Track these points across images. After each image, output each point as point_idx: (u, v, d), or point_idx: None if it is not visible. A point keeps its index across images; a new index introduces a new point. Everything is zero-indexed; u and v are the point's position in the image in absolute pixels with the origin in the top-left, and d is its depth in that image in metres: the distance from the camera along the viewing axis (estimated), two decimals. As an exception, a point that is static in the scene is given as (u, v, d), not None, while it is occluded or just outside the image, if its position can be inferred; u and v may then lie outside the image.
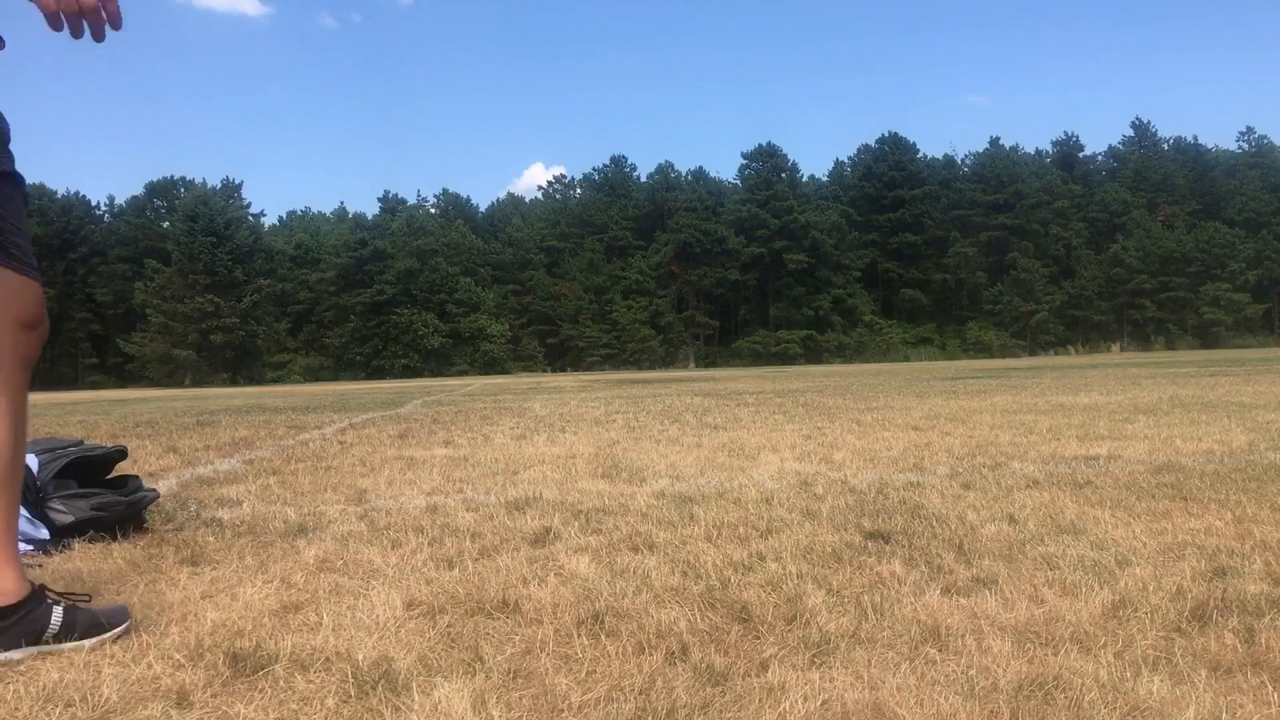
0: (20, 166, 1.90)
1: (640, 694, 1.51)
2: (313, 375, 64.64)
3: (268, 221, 77.59)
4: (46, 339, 2.06)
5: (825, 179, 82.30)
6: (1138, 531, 2.61)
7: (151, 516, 3.15)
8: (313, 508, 3.43)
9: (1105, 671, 1.55)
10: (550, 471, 4.32)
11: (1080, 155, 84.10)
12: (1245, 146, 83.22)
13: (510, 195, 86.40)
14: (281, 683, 1.60)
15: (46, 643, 1.80)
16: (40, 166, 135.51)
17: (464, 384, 23.06)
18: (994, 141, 78.23)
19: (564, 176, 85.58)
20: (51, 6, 1.80)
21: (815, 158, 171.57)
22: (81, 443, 3.15)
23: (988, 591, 2.03)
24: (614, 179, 79.72)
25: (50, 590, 1.91)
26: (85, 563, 2.50)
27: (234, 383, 58.26)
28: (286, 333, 67.95)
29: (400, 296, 66.34)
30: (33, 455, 2.92)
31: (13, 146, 1.87)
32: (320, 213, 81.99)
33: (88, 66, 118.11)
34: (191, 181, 70.70)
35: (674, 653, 1.70)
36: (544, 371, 63.07)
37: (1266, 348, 55.07)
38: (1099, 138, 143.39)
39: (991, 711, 1.42)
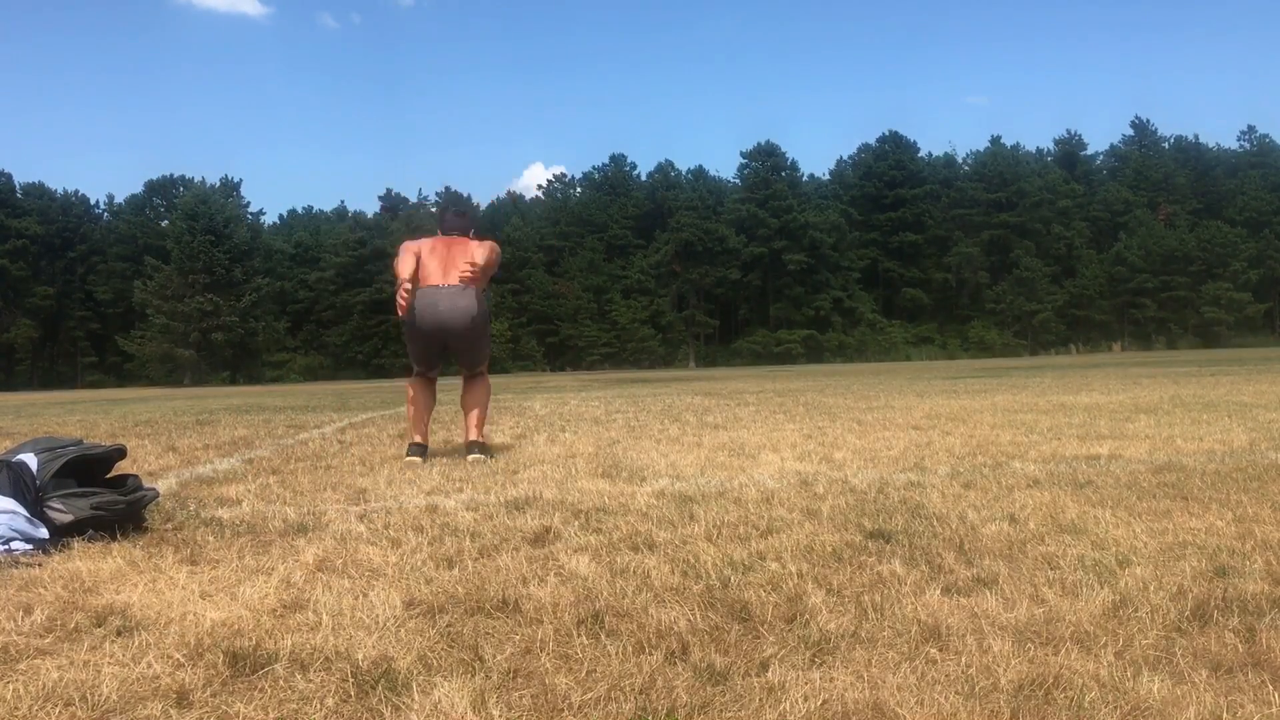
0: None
1: (640, 694, 1.51)
2: (312, 374, 64.59)
3: (268, 220, 77.66)
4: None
5: (826, 178, 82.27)
6: (1138, 531, 2.61)
7: (151, 516, 3.15)
8: (312, 507, 3.42)
9: (1106, 671, 1.55)
10: (550, 471, 4.32)
11: (1081, 154, 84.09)
12: (1246, 146, 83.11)
13: (510, 194, 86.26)
14: (281, 682, 1.60)
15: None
16: (40, 165, 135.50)
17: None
18: (995, 140, 78.17)
19: (564, 175, 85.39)
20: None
21: (815, 157, 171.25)
22: (81, 442, 3.15)
23: (988, 591, 2.03)
24: (614, 178, 79.54)
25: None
26: (85, 562, 2.49)
27: (233, 382, 58.24)
28: (286, 332, 67.91)
29: (401, 295, 66.41)
30: (32, 454, 2.92)
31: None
32: (321, 211, 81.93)
33: (88, 66, 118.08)
34: (191, 180, 70.57)
35: (674, 652, 1.70)
36: (543, 371, 63.06)
37: (1267, 347, 55.00)
38: (1100, 136, 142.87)
39: (992, 711, 1.42)
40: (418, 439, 4.99)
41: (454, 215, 5.38)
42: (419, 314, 4.89)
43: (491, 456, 4.91)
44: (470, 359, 5.20)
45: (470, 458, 4.85)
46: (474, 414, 5.09)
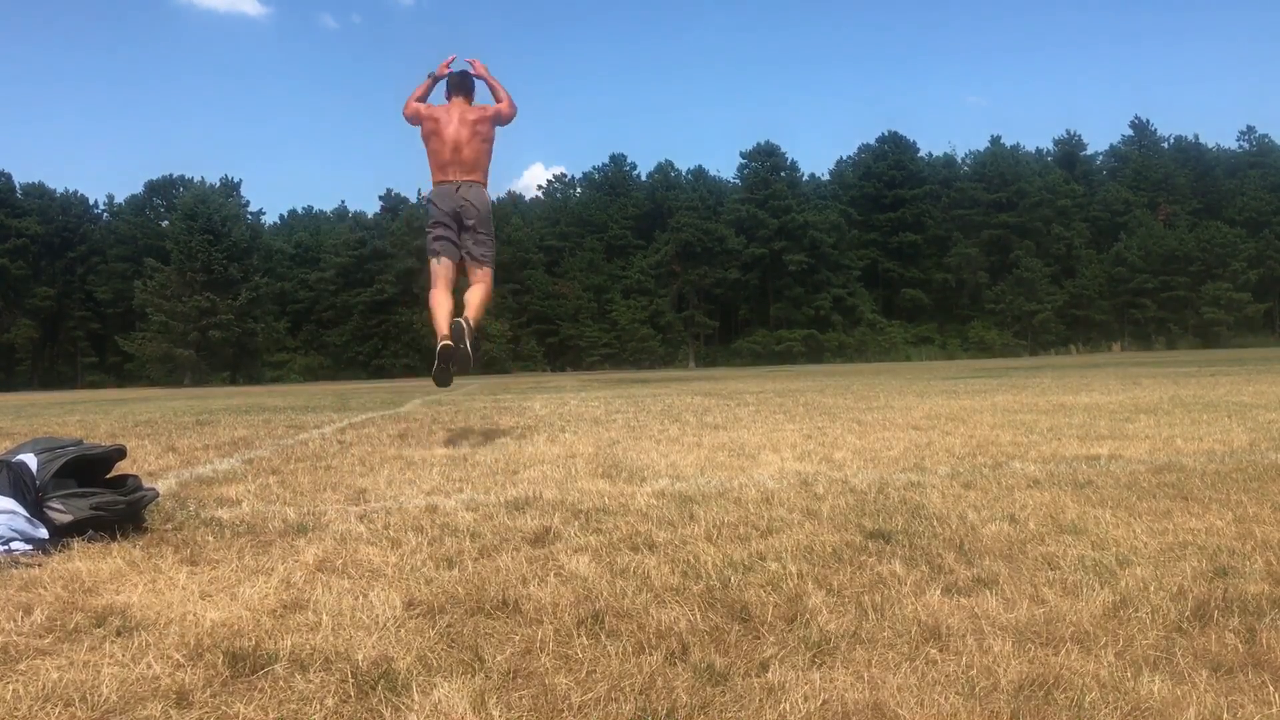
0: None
1: (640, 694, 1.51)
2: (312, 374, 64.62)
3: (268, 220, 77.66)
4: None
5: (826, 178, 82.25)
6: (1139, 531, 2.61)
7: (151, 516, 3.15)
8: (312, 507, 3.42)
9: (1106, 671, 1.55)
10: (550, 471, 4.32)
11: (1081, 154, 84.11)
12: (1246, 146, 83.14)
13: (510, 194, 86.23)
14: (281, 682, 1.60)
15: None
16: (40, 165, 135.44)
17: (464, 383, 23.09)
18: (995, 140, 78.19)
19: (564, 175, 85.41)
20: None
21: (815, 157, 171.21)
22: (80, 442, 3.15)
23: (988, 591, 2.03)
24: (614, 178, 79.51)
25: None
26: (85, 562, 2.49)
27: (233, 382, 58.22)
28: (286, 332, 67.91)
29: (401, 296, 66.39)
30: (32, 454, 2.92)
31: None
32: (321, 211, 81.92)
33: (88, 66, 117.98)
34: (191, 180, 70.47)
35: (674, 653, 1.70)
36: (543, 371, 63.03)
37: (1267, 347, 55.02)
38: (1100, 137, 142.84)
39: (992, 711, 1.42)
40: (445, 332, 5.39)
41: (458, 75, 5.96)
42: (438, 202, 5.63)
43: (474, 338, 5.42)
44: (478, 242, 5.71)
45: (457, 319, 5.38)
46: (476, 297, 5.67)
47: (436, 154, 5.68)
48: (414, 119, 5.81)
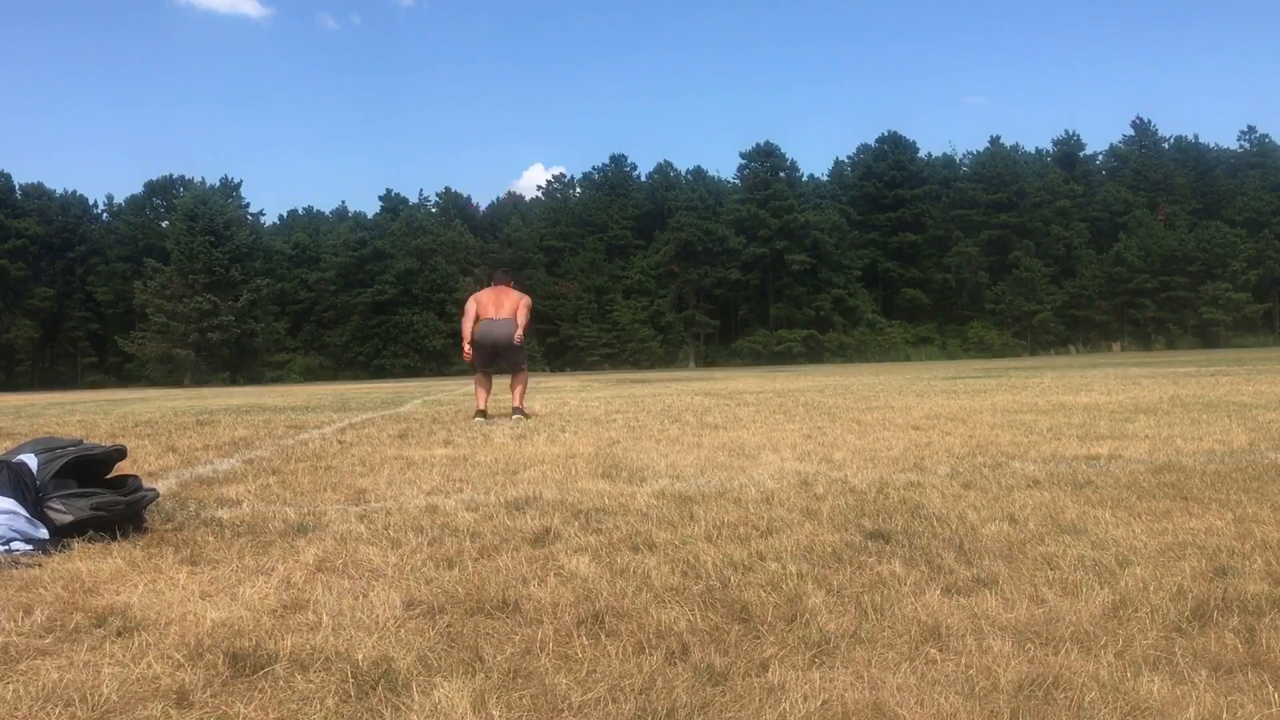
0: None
1: (640, 694, 1.51)
2: (312, 375, 64.65)
3: (267, 220, 77.69)
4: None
5: (825, 179, 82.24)
6: (1138, 531, 2.61)
7: (151, 516, 3.15)
8: (312, 507, 3.42)
9: (1106, 671, 1.55)
10: (550, 471, 4.32)
11: (1081, 154, 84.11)
12: (1246, 146, 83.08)
13: (510, 194, 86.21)
14: (281, 683, 1.60)
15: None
16: (40, 166, 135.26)
17: (464, 384, 23.10)
18: (994, 140, 78.15)
19: (564, 176, 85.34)
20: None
21: (815, 157, 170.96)
22: (81, 442, 3.15)
23: (988, 591, 2.03)
24: (614, 178, 79.50)
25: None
26: (85, 562, 2.49)
27: (233, 382, 58.18)
28: (286, 332, 67.91)
29: (401, 296, 66.45)
30: (32, 455, 2.92)
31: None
32: (321, 212, 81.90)
33: (88, 66, 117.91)
34: (191, 180, 70.41)
35: (674, 653, 1.70)
36: (544, 371, 63.01)
37: (1267, 347, 55.01)
38: (1099, 137, 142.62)
39: (992, 711, 1.42)
40: (481, 407, 8.24)
41: (501, 273, 8.90)
42: (480, 336, 8.29)
43: (528, 417, 8.09)
44: (512, 362, 8.56)
45: (513, 418, 8.07)
46: (516, 390, 8.58)
47: (482, 307, 8.35)
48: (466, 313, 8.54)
